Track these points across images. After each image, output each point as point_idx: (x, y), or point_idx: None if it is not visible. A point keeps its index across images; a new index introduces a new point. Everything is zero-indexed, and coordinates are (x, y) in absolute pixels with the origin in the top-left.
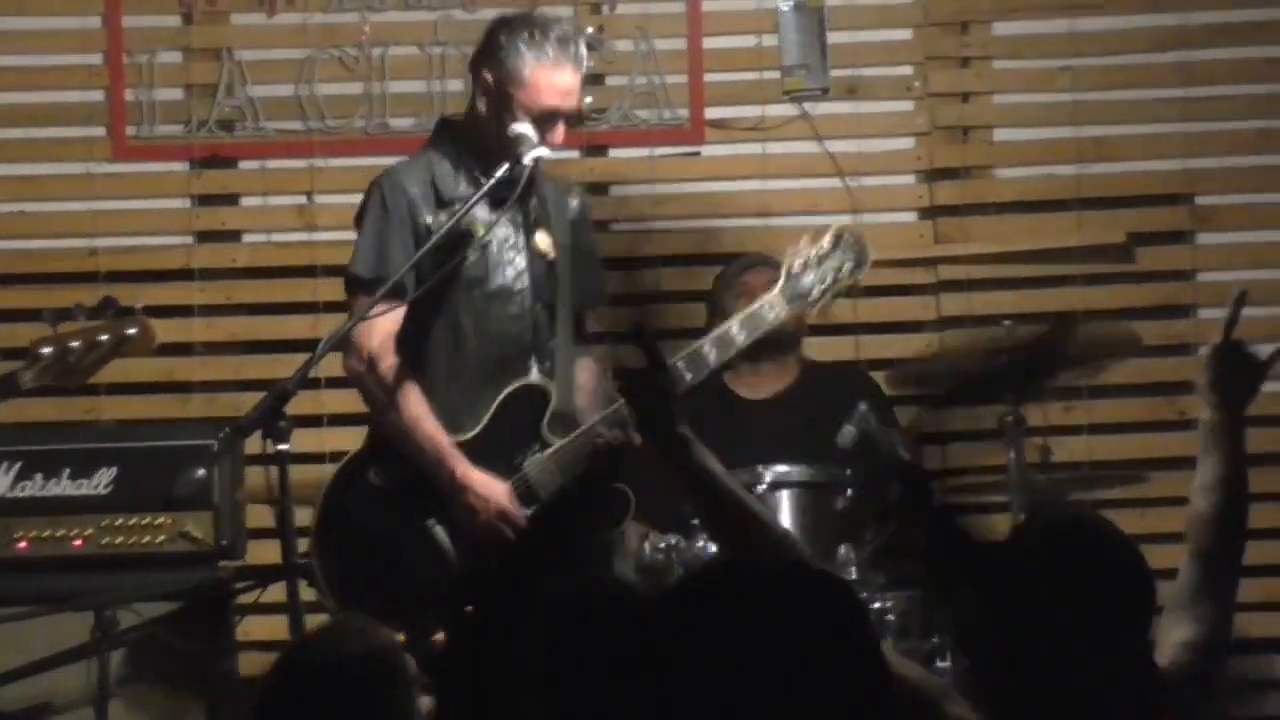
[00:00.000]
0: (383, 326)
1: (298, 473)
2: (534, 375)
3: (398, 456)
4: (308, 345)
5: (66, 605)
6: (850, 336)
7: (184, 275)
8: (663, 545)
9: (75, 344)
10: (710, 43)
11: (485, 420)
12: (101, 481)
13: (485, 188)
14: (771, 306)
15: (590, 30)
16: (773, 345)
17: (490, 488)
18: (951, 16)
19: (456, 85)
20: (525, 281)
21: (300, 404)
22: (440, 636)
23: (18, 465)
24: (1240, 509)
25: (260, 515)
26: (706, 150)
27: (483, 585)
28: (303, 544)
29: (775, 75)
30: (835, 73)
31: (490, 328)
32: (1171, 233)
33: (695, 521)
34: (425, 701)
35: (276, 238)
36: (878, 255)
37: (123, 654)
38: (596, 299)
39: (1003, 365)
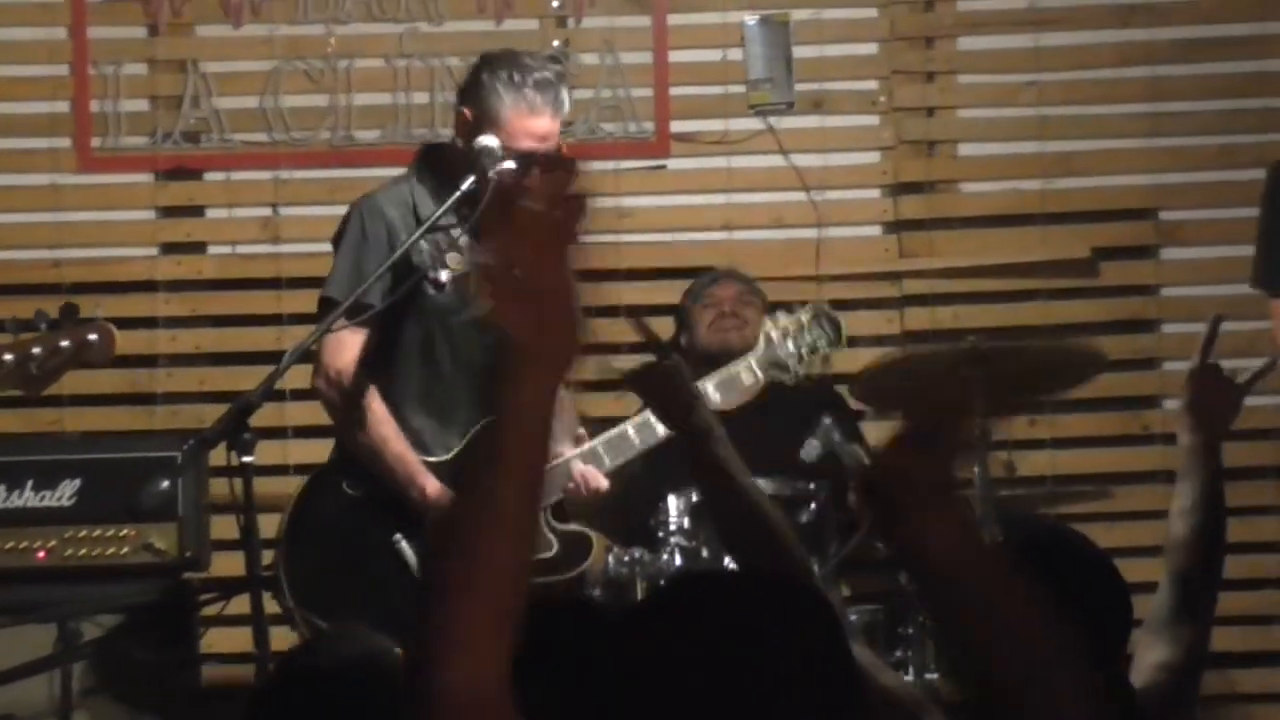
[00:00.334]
0: (353, 347)
1: (262, 485)
2: None
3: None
4: (273, 358)
5: (30, 617)
6: None
7: (149, 287)
8: (627, 559)
9: (37, 350)
10: (676, 57)
11: (457, 449)
12: (65, 493)
13: (452, 199)
14: (749, 370)
15: (556, 44)
16: (738, 358)
17: None
18: (917, 31)
19: (422, 98)
20: None
21: (265, 416)
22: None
23: None
24: (1218, 532)
25: (225, 527)
26: (672, 164)
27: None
28: (268, 555)
29: (740, 89)
30: (800, 87)
31: (463, 356)
32: (1136, 248)
33: (660, 535)
34: None
35: (241, 250)
36: (843, 269)
37: (86, 666)
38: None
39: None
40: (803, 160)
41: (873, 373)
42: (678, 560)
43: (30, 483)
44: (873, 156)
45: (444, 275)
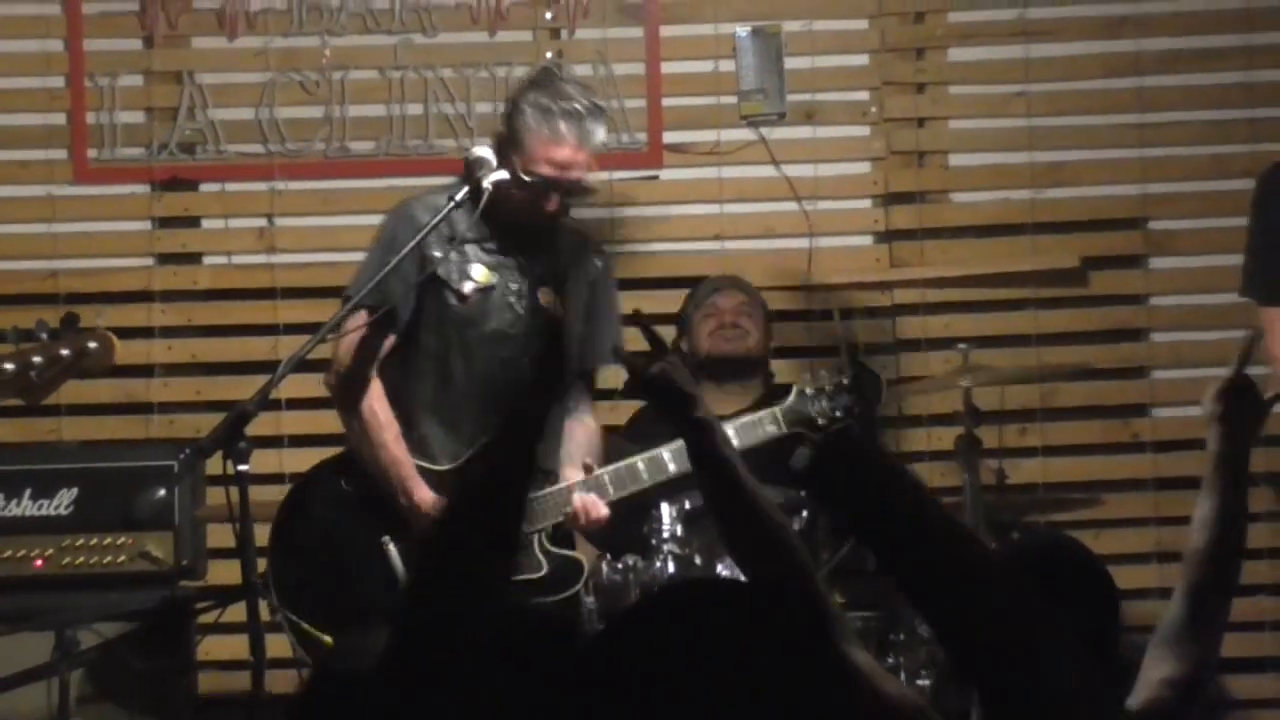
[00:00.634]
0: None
1: (258, 493)
2: None
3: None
4: (268, 367)
5: (27, 625)
6: (807, 359)
7: (145, 297)
8: (620, 566)
9: (37, 359)
10: (668, 68)
11: (463, 459)
12: (63, 502)
13: (444, 211)
14: (773, 420)
15: (550, 55)
16: (738, 367)
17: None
18: (907, 43)
19: (416, 109)
20: (519, 330)
21: (260, 425)
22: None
23: None
24: (1238, 546)
25: (220, 535)
26: (664, 174)
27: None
28: (264, 563)
29: (732, 100)
30: (792, 98)
31: (477, 369)
32: (1125, 257)
33: (653, 542)
34: None
35: (237, 260)
36: (834, 279)
37: (83, 673)
38: (607, 358)
39: None
40: (794, 170)
41: None
42: (670, 567)
43: (28, 491)
44: (864, 167)
45: (467, 288)
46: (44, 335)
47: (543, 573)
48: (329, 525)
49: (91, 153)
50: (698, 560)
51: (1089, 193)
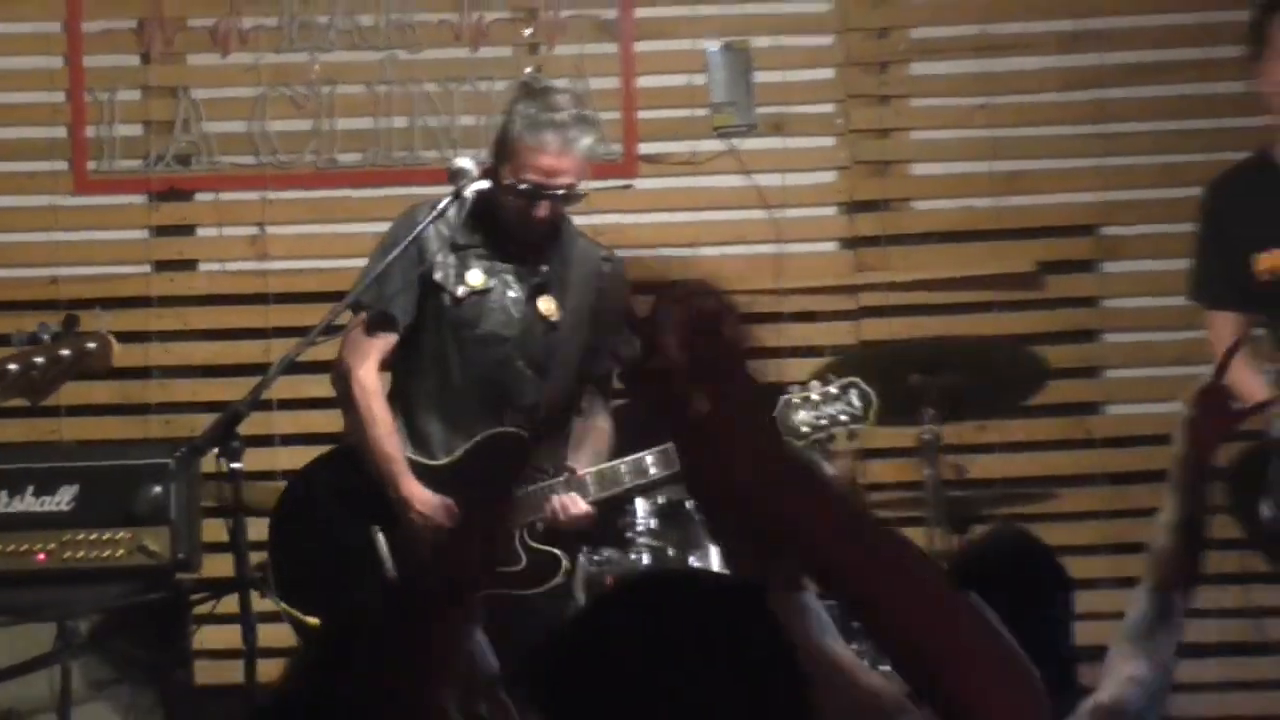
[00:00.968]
0: (368, 348)
1: (250, 490)
2: (512, 424)
3: None
4: (260, 369)
5: (30, 617)
6: (775, 360)
7: (142, 302)
8: (598, 558)
9: (39, 360)
10: (642, 82)
11: (458, 454)
12: (64, 499)
13: (431, 217)
14: None
15: (529, 70)
16: None
17: (432, 506)
18: (872, 57)
19: (402, 122)
20: (511, 334)
21: (253, 425)
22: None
23: None
24: (1200, 547)
25: (215, 530)
26: (639, 184)
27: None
28: (256, 557)
29: (705, 113)
30: (761, 110)
31: (473, 370)
32: (1079, 262)
33: (629, 536)
34: None
35: (231, 267)
36: (802, 283)
37: (84, 663)
38: (618, 363)
39: None
40: (764, 180)
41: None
42: (646, 559)
43: (30, 489)
44: (830, 176)
45: (460, 291)
46: (46, 338)
47: (520, 566)
48: (327, 512)
49: (91, 165)
50: (671, 553)
51: (1045, 201)
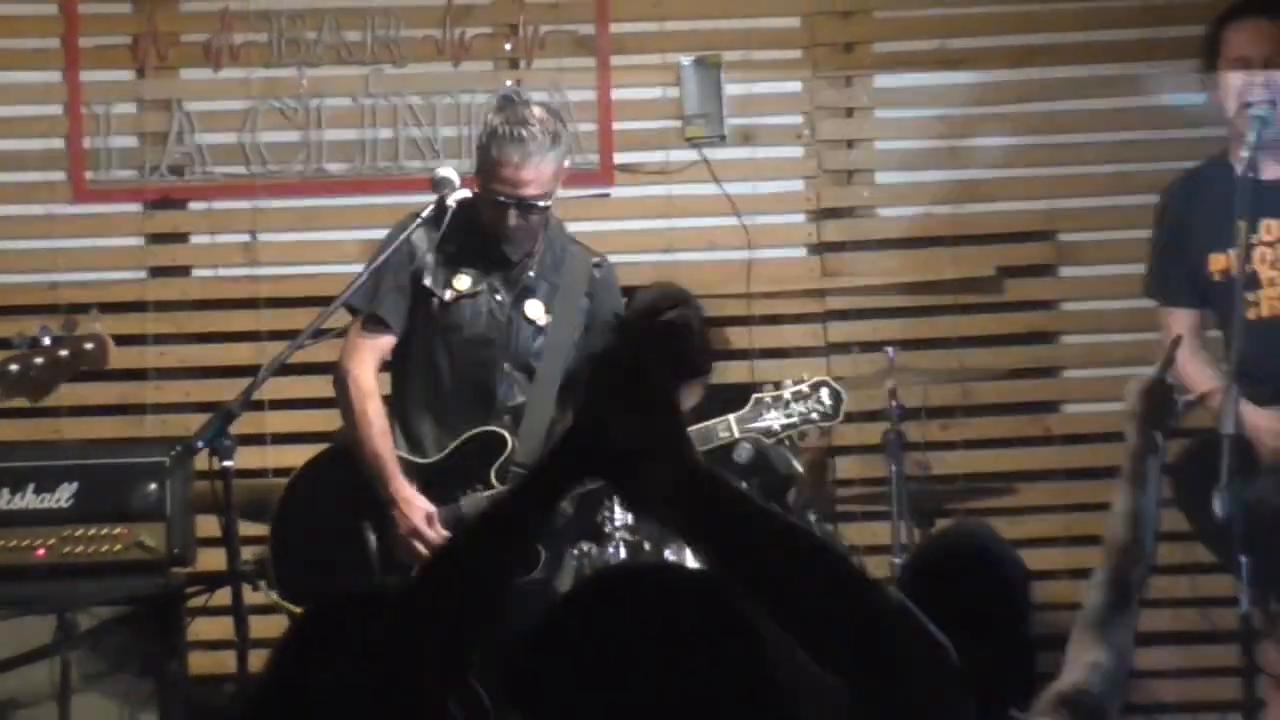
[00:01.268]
0: (363, 351)
1: (242, 487)
2: (498, 424)
3: None
4: (252, 371)
5: (30, 610)
6: (746, 362)
7: (139, 307)
8: (576, 552)
9: (39, 360)
10: (618, 94)
11: (445, 452)
12: (63, 495)
13: (413, 225)
14: (727, 428)
15: (509, 83)
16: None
17: (411, 505)
18: (837, 70)
19: (387, 133)
20: (497, 337)
21: (245, 424)
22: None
23: None
24: (1152, 537)
25: (208, 525)
26: (615, 192)
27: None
28: (247, 552)
29: (677, 124)
30: (732, 121)
31: (460, 371)
32: (1037, 266)
33: (606, 530)
34: None
35: (223, 273)
36: (771, 287)
37: (82, 654)
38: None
39: None
40: (734, 188)
41: None
42: (622, 553)
43: (31, 486)
44: (797, 184)
45: (449, 295)
46: (46, 340)
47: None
48: (324, 506)
49: (89, 175)
50: (647, 546)
51: (1004, 208)
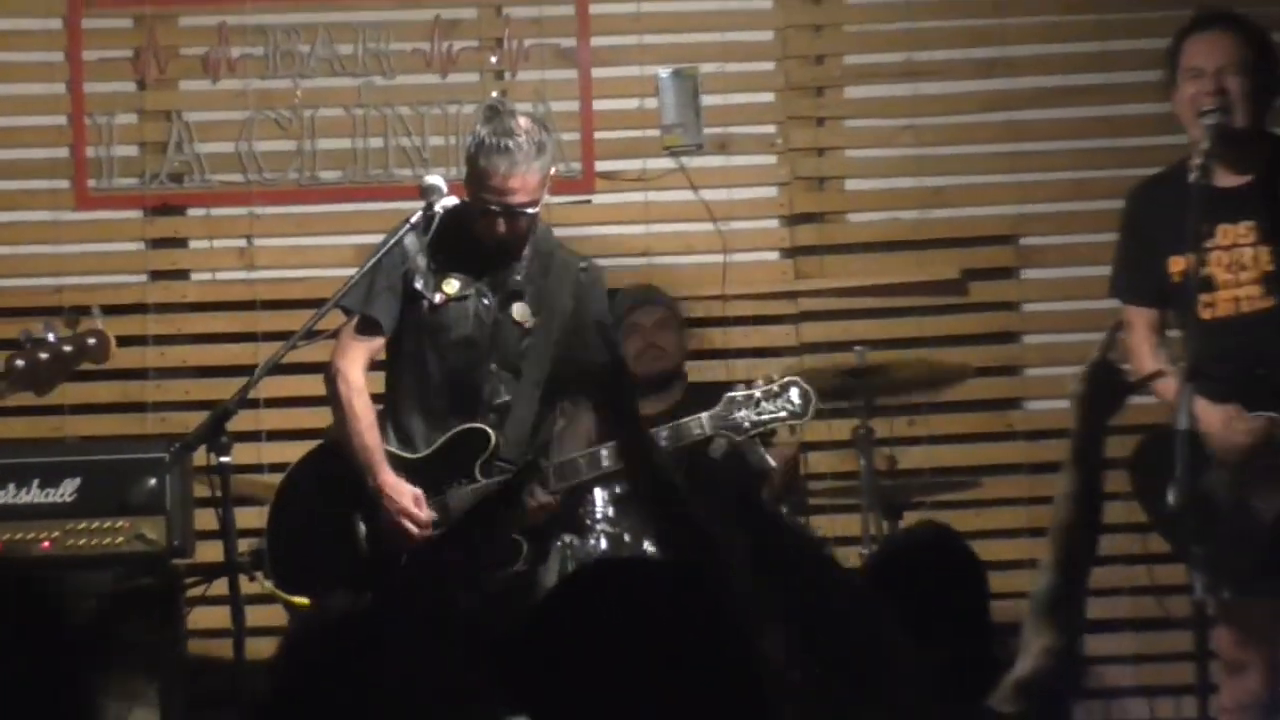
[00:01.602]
0: (354, 350)
1: (239, 482)
2: (484, 421)
3: None
4: (248, 371)
5: None
6: (722, 361)
7: (139, 309)
8: (559, 544)
9: (44, 356)
10: (599, 105)
11: (433, 447)
12: (66, 490)
13: (403, 230)
14: (700, 425)
15: (495, 94)
16: (657, 383)
17: (399, 490)
18: (809, 82)
19: (378, 142)
20: (481, 338)
21: (241, 422)
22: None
23: None
24: (1097, 517)
25: (206, 519)
26: (596, 198)
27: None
28: (244, 544)
29: (656, 133)
30: (708, 131)
31: (448, 371)
32: (1000, 269)
33: (588, 522)
34: None
35: (221, 276)
36: (746, 290)
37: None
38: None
39: None
40: (710, 195)
41: None
42: (603, 545)
43: (35, 481)
44: (771, 191)
45: (438, 298)
46: (51, 336)
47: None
48: (316, 499)
49: (91, 183)
50: (627, 539)
51: (968, 213)
